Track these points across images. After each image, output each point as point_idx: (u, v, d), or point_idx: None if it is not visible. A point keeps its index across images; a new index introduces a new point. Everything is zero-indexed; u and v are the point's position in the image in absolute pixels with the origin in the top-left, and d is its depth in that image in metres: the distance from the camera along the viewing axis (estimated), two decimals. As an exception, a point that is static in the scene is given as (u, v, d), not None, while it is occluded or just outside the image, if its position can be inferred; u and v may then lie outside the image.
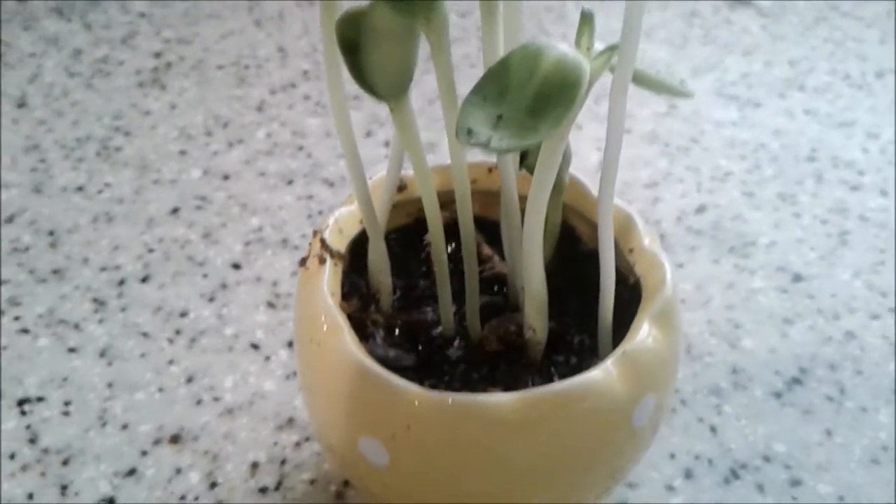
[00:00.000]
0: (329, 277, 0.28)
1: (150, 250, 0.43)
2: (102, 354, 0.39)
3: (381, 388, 0.25)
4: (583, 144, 0.51)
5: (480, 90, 0.23)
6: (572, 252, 0.33)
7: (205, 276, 0.42)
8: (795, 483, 0.35)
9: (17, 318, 0.40)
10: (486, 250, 0.33)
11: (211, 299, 0.41)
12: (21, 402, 0.37)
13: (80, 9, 0.59)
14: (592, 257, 0.31)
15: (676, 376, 0.30)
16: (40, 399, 0.37)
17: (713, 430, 0.37)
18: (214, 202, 0.46)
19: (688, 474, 0.35)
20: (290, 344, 0.39)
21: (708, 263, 0.44)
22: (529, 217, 0.26)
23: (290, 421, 0.36)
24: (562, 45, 0.23)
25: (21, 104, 0.52)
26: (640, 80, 0.25)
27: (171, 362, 0.38)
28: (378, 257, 0.30)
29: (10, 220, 0.45)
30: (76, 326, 0.40)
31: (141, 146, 0.49)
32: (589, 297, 0.30)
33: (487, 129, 0.22)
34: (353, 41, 0.21)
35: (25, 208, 0.45)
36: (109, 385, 0.37)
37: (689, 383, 0.39)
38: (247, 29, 0.58)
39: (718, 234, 0.46)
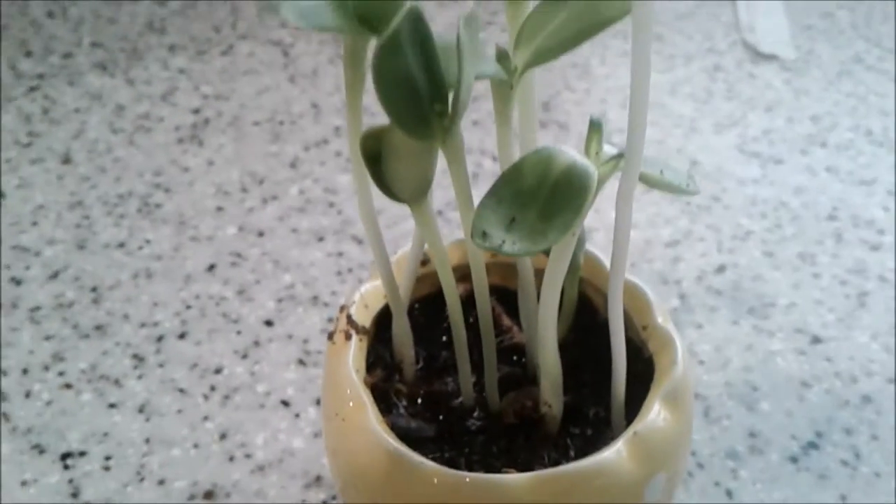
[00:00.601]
0: (354, 353, 0.30)
1: (188, 307, 0.45)
2: (141, 410, 0.41)
3: (402, 466, 0.27)
4: (604, 202, 0.53)
5: (495, 193, 0.24)
6: (589, 323, 0.35)
7: (238, 332, 0.44)
8: (808, 551, 0.35)
9: (61, 374, 0.42)
10: (506, 321, 0.35)
11: (244, 356, 0.43)
12: (64, 457, 0.39)
13: (123, 64, 0.62)
14: (608, 329, 0.32)
15: (688, 453, 0.31)
16: (82, 454, 0.39)
17: (729, 493, 0.38)
18: (249, 259, 0.48)
19: (702, 540, 0.36)
20: (319, 401, 0.41)
21: (727, 324, 0.45)
22: (543, 308, 0.27)
23: (318, 479, 0.38)
24: (572, 152, 0.24)
25: (66, 160, 0.54)
26: (647, 181, 0.26)
27: (205, 418, 0.40)
28: (401, 331, 0.32)
29: (55, 276, 0.47)
30: (116, 382, 0.42)
31: (179, 202, 0.51)
32: (605, 368, 0.31)
33: (501, 231, 0.23)
34: (375, 153, 0.22)
35: (69, 264, 0.47)
36: (147, 440, 0.39)
37: (707, 447, 0.40)
38: (281, 85, 0.61)
39: (738, 294, 0.47)
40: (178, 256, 0.48)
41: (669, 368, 0.30)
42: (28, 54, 0.63)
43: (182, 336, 0.44)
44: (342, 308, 0.31)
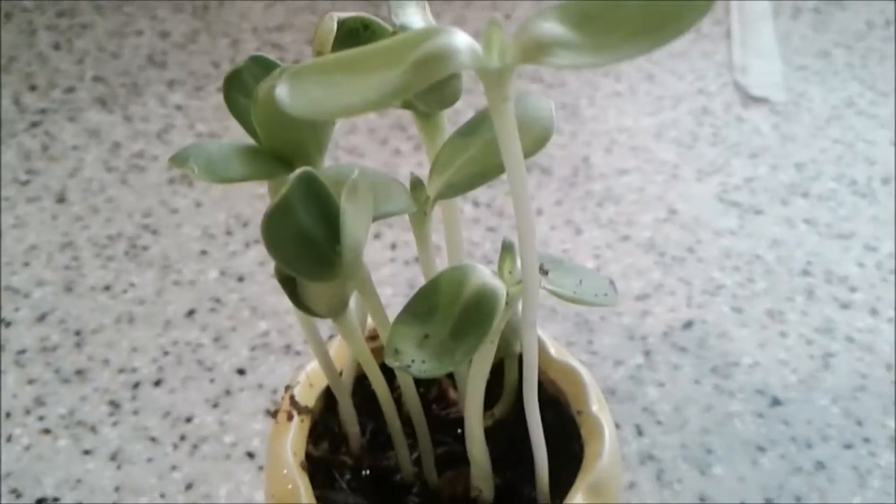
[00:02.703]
0: (294, 435, 0.31)
1: (165, 353, 0.47)
2: (113, 457, 0.42)
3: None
4: (581, 249, 0.54)
5: (411, 309, 0.25)
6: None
7: (212, 381, 0.46)
8: None
9: (41, 419, 0.44)
10: (453, 394, 0.36)
11: (215, 405, 0.45)
12: (39, 502, 0.41)
13: (123, 100, 0.64)
14: (552, 403, 0.33)
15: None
16: (56, 499, 0.41)
17: (673, 560, 0.39)
18: (227, 304, 0.50)
19: None
20: (283, 455, 0.42)
21: (689, 384, 0.46)
22: (469, 405, 0.28)
23: (275, 534, 0.39)
24: (485, 272, 0.25)
25: (61, 199, 0.56)
26: (560, 297, 0.27)
27: (173, 468, 0.42)
28: (345, 411, 0.33)
29: (42, 318, 0.49)
30: (92, 429, 0.44)
31: (166, 245, 0.53)
32: (552, 440, 0.32)
33: (413, 348, 0.25)
34: (290, 277, 0.24)
35: (56, 307, 0.49)
36: (117, 489, 0.41)
37: (655, 511, 0.41)
38: (274, 122, 0.62)
39: (703, 352, 0.48)
40: (160, 301, 0.50)
41: (595, 459, 0.31)
42: (32, 88, 0.65)
43: (157, 383, 0.46)
44: (287, 388, 0.33)
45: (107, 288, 0.51)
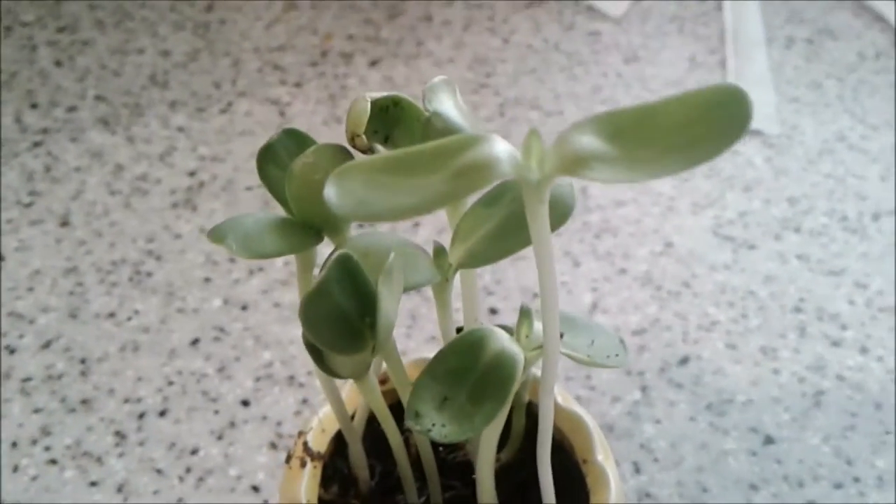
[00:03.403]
0: (307, 482, 0.32)
1: (170, 383, 0.48)
2: (120, 489, 0.43)
3: None
4: (579, 282, 0.55)
5: (430, 371, 0.26)
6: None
7: (216, 412, 0.46)
8: None
9: (47, 449, 0.45)
10: (460, 438, 0.37)
11: (220, 437, 0.45)
12: (45, 534, 0.41)
13: (125, 121, 0.64)
14: (557, 450, 0.34)
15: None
16: (62, 531, 0.41)
17: None
18: (231, 334, 0.50)
19: None
20: (288, 488, 0.43)
21: (685, 421, 0.47)
22: (481, 462, 0.29)
23: (281, 569, 0.40)
24: (503, 336, 0.26)
25: (64, 223, 0.56)
26: (574, 359, 0.28)
27: (179, 501, 0.43)
28: (356, 456, 0.34)
29: (47, 345, 0.49)
30: (98, 459, 0.44)
31: (169, 271, 0.54)
32: (557, 486, 0.33)
33: (433, 411, 0.25)
34: (316, 346, 0.24)
35: (61, 334, 0.50)
36: (123, 522, 0.42)
37: (652, 549, 0.42)
38: (276, 147, 0.63)
39: (698, 389, 0.49)
40: (165, 329, 0.50)
41: (601, 511, 0.32)
42: (34, 106, 0.65)
43: (163, 413, 0.46)
44: (300, 434, 0.34)
45: (111, 315, 0.51)
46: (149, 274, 0.53)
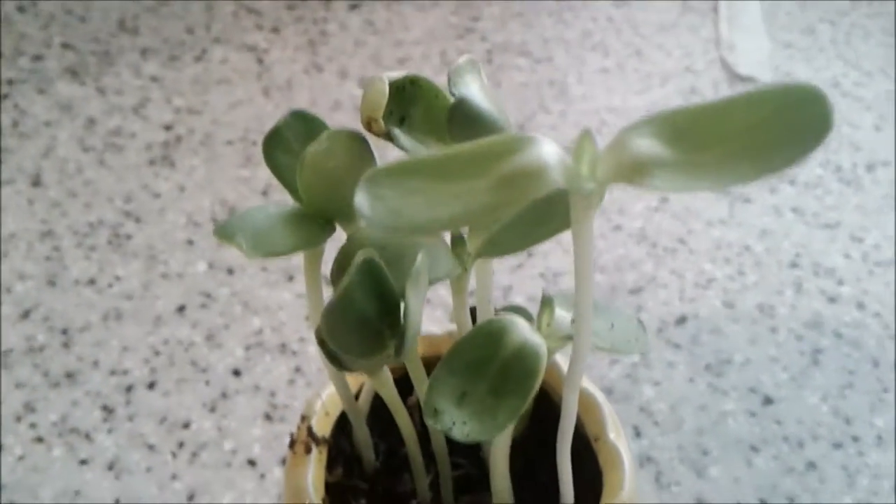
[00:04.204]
0: (314, 468, 0.31)
1: (157, 353, 0.46)
2: (111, 467, 0.42)
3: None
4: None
5: (447, 364, 0.25)
6: (546, 415, 0.36)
7: (207, 383, 0.45)
8: None
9: (32, 426, 0.43)
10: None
11: (212, 409, 0.44)
12: (35, 514, 0.40)
13: (94, 70, 0.61)
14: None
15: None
16: (53, 511, 0.40)
17: (673, 564, 0.40)
18: (218, 300, 0.49)
19: None
20: (284, 461, 0.42)
21: (684, 382, 0.47)
22: (495, 453, 0.28)
23: (282, 545, 0.39)
24: (524, 327, 0.25)
25: (36, 182, 0.54)
26: (595, 347, 0.27)
27: (174, 477, 0.41)
28: (361, 437, 0.33)
29: (26, 315, 0.47)
30: (87, 436, 0.43)
31: (150, 234, 0.51)
32: None
33: (452, 407, 0.24)
34: (331, 348, 0.23)
35: (40, 303, 0.48)
36: (117, 501, 0.41)
37: (655, 515, 0.42)
38: (255, 98, 0.60)
39: (696, 349, 0.48)
40: (148, 296, 0.48)
41: (616, 490, 0.31)
42: (-4, 55, 0.62)
43: (151, 385, 0.45)
44: (303, 418, 0.32)
45: (91, 282, 0.49)
46: (128, 236, 0.51)
